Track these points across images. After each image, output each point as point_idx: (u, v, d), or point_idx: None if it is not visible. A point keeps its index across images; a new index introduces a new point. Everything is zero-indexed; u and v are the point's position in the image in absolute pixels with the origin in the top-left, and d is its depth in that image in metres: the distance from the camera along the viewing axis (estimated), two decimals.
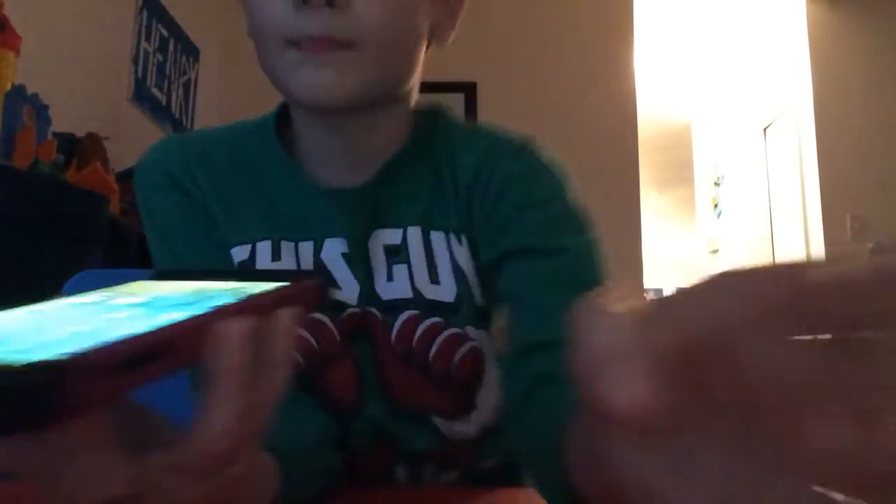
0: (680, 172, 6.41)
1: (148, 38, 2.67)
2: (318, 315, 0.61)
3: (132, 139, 2.48)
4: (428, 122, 0.69)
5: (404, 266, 0.61)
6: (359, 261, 0.62)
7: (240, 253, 0.62)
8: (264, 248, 0.62)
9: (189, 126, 3.04)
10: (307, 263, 0.61)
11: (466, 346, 0.61)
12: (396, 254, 0.62)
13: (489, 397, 0.62)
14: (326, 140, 0.63)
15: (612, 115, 3.45)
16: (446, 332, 0.61)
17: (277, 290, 0.33)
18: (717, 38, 4.60)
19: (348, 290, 0.61)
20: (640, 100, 3.54)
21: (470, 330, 0.62)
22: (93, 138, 1.98)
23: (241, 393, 0.29)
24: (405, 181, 0.63)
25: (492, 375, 0.62)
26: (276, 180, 0.64)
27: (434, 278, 0.61)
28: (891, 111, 3.80)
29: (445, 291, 0.61)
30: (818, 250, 3.83)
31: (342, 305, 0.61)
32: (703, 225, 5.80)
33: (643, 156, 3.53)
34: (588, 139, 3.44)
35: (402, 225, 0.62)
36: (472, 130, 0.71)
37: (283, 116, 0.67)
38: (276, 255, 0.62)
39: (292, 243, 0.62)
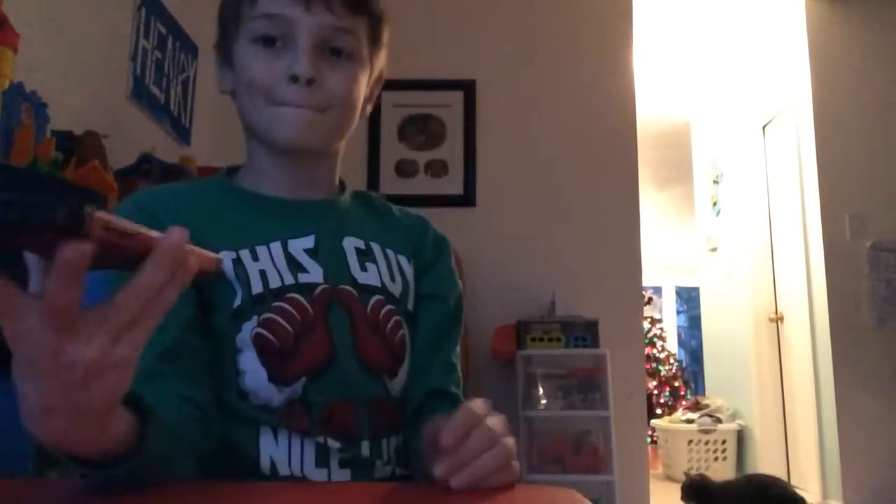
0: (679, 170, 6.42)
1: (146, 36, 2.67)
2: (294, 294, 0.80)
3: (131, 137, 2.48)
4: (358, 190, 0.98)
5: (374, 264, 0.87)
6: (328, 252, 0.85)
7: (227, 254, 0.80)
8: (245, 253, 0.81)
9: (188, 124, 3.03)
10: (279, 257, 0.82)
11: (402, 331, 0.86)
12: (365, 255, 0.87)
13: (404, 370, 0.86)
14: (284, 171, 0.87)
15: (610, 113, 3.45)
16: (396, 317, 0.85)
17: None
18: (716, 36, 4.60)
19: (315, 273, 0.83)
20: (639, 98, 3.54)
21: (401, 319, 0.86)
22: (91, 136, 1.97)
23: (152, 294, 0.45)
24: (355, 210, 0.92)
25: (408, 351, 0.88)
26: (232, 205, 0.86)
27: (392, 278, 0.88)
28: (890, 109, 3.80)
29: (396, 288, 0.87)
30: (817, 248, 3.83)
31: (312, 286, 0.81)
32: (702, 223, 5.80)
33: (642, 154, 3.53)
34: (587, 137, 3.44)
35: (365, 238, 0.88)
36: (403, 208, 1.00)
37: (228, 172, 0.93)
38: (254, 256, 0.81)
39: (264, 245, 0.82)
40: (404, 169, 3.39)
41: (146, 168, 2.21)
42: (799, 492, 3.07)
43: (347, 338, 0.81)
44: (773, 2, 4.16)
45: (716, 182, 5.43)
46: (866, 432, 3.54)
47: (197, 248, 0.48)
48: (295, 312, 0.79)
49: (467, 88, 3.45)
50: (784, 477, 4.02)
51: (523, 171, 3.40)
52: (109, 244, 0.41)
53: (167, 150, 2.69)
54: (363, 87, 0.87)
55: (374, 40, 0.88)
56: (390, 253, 0.90)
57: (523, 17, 3.55)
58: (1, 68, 1.60)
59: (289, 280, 0.81)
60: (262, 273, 0.80)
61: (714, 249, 5.50)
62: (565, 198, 3.38)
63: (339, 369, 0.80)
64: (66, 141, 1.86)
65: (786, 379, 4.41)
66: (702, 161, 5.77)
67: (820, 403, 3.80)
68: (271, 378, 0.77)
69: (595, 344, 2.99)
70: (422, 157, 3.40)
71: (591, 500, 0.56)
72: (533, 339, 2.99)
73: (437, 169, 3.40)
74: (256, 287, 0.79)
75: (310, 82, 0.79)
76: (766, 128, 4.64)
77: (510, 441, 0.64)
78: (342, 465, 0.78)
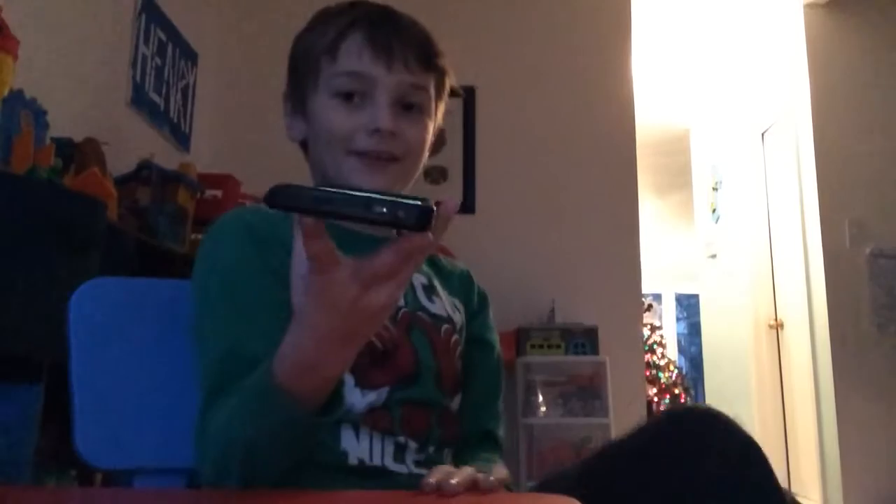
0: (678, 177, 6.42)
1: (146, 43, 2.68)
2: None
3: (130, 144, 2.48)
4: None
5: (438, 298, 0.96)
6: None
7: None
8: None
9: (187, 130, 3.04)
10: None
11: (460, 350, 0.95)
12: (430, 290, 0.95)
13: (459, 395, 0.94)
14: None
15: (610, 120, 3.45)
16: (460, 347, 0.94)
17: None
18: (715, 43, 4.61)
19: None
20: (639, 105, 3.54)
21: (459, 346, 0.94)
22: (91, 143, 1.98)
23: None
24: None
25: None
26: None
27: (455, 310, 0.97)
28: (889, 116, 3.81)
29: (458, 319, 0.97)
30: (816, 255, 3.84)
31: (396, 308, 0.88)
32: (701, 229, 5.80)
33: (641, 161, 3.54)
34: (586, 144, 3.44)
35: (427, 276, 0.97)
36: (449, 259, 1.09)
37: None
38: None
39: None
40: None
41: (146, 175, 2.21)
42: (799, 499, 3.06)
43: (429, 357, 0.88)
44: (772, 10, 4.17)
45: (715, 189, 5.43)
46: (867, 439, 3.53)
47: None
48: (381, 330, 0.85)
49: (467, 95, 3.45)
50: (784, 484, 4.00)
51: (523, 178, 3.40)
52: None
53: (167, 156, 2.69)
54: (430, 134, 0.95)
55: (439, 93, 0.97)
56: (445, 293, 0.98)
57: (522, 24, 3.56)
58: (1, 75, 1.60)
59: None
60: None
61: (713, 256, 5.50)
62: (565, 204, 3.38)
63: (420, 383, 0.86)
64: (66, 148, 1.86)
65: (786, 385, 4.40)
66: (701, 168, 5.78)
67: (820, 410, 3.80)
68: (357, 383, 0.83)
69: (595, 351, 2.98)
70: None
71: None
72: (532, 346, 2.99)
73: (437, 176, 3.41)
74: None
75: (391, 135, 0.86)
76: (765, 134, 4.65)
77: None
78: (416, 465, 0.84)
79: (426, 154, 0.95)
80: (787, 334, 4.35)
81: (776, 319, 4.49)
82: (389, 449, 0.83)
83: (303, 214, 0.52)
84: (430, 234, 0.54)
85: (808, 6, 3.93)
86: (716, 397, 5.44)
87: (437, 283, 0.98)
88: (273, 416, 0.66)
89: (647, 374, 6.48)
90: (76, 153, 1.90)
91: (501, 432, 1.01)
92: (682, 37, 4.52)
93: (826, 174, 3.80)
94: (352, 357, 0.64)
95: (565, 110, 3.47)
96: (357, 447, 0.82)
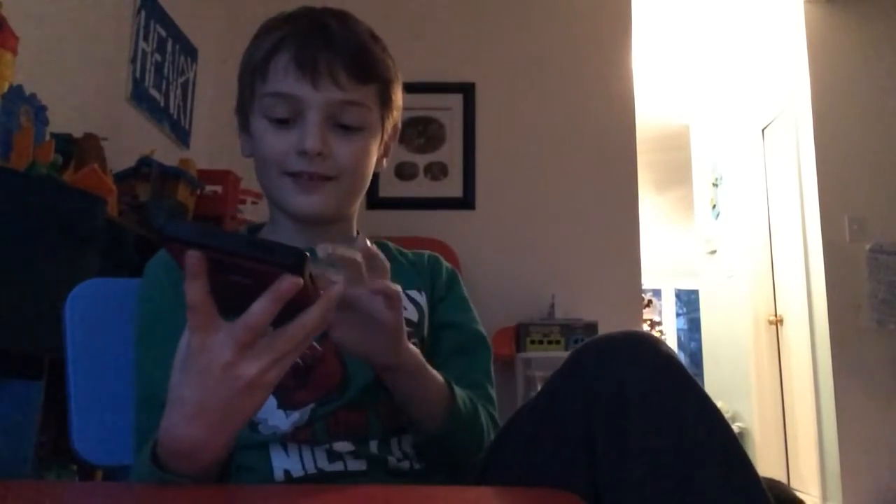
0: (678, 173, 6.42)
1: (146, 39, 2.67)
2: None
3: (130, 140, 2.48)
4: (374, 240, 1.00)
5: None
6: None
7: None
8: None
9: (187, 126, 3.03)
10: None
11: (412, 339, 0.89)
12: None
13: None
14: (301, 233, 0.92)
15: (610, 115, 3.45)
16: (412, 339, 0.83)
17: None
18: (714, 39, 4.60)
19: None
20: (639, 101, 3.54)
21: (419, 344, 0.88)
22: (91, 139, 1.97)
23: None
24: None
25: None
26: None
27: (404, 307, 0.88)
28: (889, 112, 3.80)
29: (412, 314, 0.92)
30: (816, 251, 3.84)
31: None
32: (701, 225, 5.80)
33: (641, 157, 3.53)
34: (586, 140, 3.44)
35: None
36: (414, 251, 1.05)
37: (252, 229, 1.01)
38: None
39: None
40: (404, 172, 3.39)
41: (145, 171, 2.21)
42: (798, 494, 3.07)
43: (361, 366, 0.83)
44: (772, 5, 4.16)
45: (715, 185, 5.43)
46: (866, 435, 3.54)
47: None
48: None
49: (467, 91, 3.45)
50: (784, 479, 4.02)
51: (523, 174, 3.40)
52: (304, 288, 0.53)
53: (166, 152, 2.69)
54: (373, 152, 0.91)
55: (385, 103, 0.93)
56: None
57: (523, 20, 3.55)
58: (0, 71, 1.60)
59: None
60: None
61: (713, 252, 5.50)
62: (565, 200, 3.38)
63: (349, 391, 0.84)
64: (66, 143, 1.86)
65: (785, 381, 4.41)
66: (701, 164, 5.78)
67: (819, 406, 3.80)
68: (280, 405, 0.82)
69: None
70: (421, 160, 3.41)
71: None
72: (532, 342, 2.99)
73: (437, 172, 3.40)
74: None
75: (319, 155, 0.84)
76: (765, 130, 4.64)
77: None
78: (355, 458, 0.82)
79: (369, 170, 0.92)
80: (787, 330, 4.35)
81: (776, 315, 4.49)
82: (321, 455, 0.81)
83: (187, 246, 0.52)
84: (300, 280, 0.52)
85: (808, 1, 3.92)
86: (715, 393, 5.44)
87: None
88: (167, 482, 0.61)
89: None
90: (76, 149, 1.90)
91: (492, 411, 0.93)
92: (682, 33, 4.52)
93: (826, 170, 3.79)
94: (229, 440, 0.59)
95: (565, 106, 3.47)
96: (288, 462, 0.81)
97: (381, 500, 0.58)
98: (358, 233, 1.00)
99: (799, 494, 3.12)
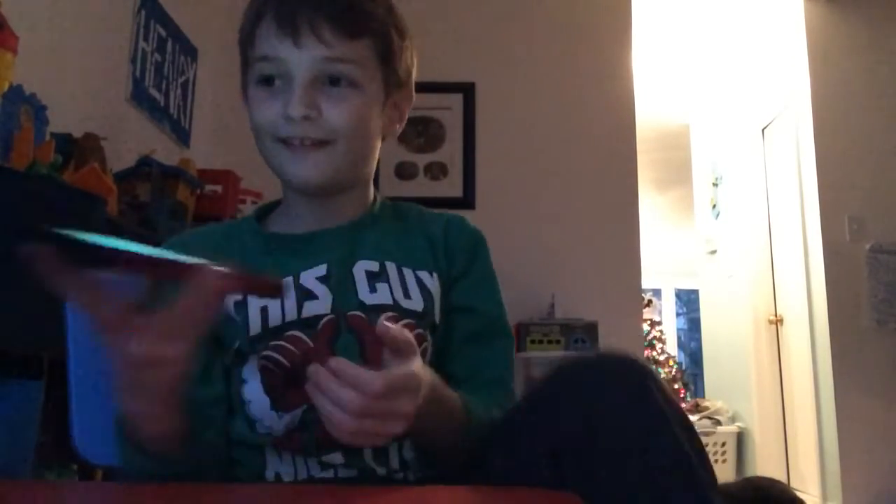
0: (678, 173, 6.42)
1: (146, 38, 2.67)
2: (295, 331, 0.81)
3: (130, 139, 2.48)
4: (396, 203, 0.97)
5: (385, 284, 0.84)
6: (337, 280, 0.84)
7: (233, 295, 0.83)
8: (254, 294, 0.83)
9: (187, 126, 3.03)
10: (288, 293, 0.82)
11: (423, 345, 0.83)
12: (377, 276, 0.85)
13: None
14: (309, 206, 0.89)
15: (610, 115, 3.45)
16: (416, 331, 0.80)
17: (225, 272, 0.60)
18: (715, 38, 4.60)
19: (323, 301, 0.83)
20: (639, 100, 3.54)
21: (427, 334, 0.84)
22: (90, 139, 1.97)
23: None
24: (379, 227, 0.91)
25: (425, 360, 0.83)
26: (254, 247, 0.89)
27: (407, 295, 0.85)
28: (889, 112, 3.80)
29: (416, 304, 0.85)
30: (816, 251, 3.83)
31: (315, 319, 0.82)
32: (701, 225, 5.80)
33: (641, 156, 3.54)
34: (587, 140, 3.44)
35: (380, 259, 0.86)
36: (435, 212, 0.99)
37: (265, 207, 0.97)
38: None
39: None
40: (404, 171, 3.39)
41: (145, 170, 2.21)
42: (798, 494, 3.06)
43: (355, 360, 0.80)
44: (772, 4, 4.16)
45: (715, 184, 5.43)
46: (866, 434, 3.53)
47: (252, 276, 0.63)
48: (293, 348, 0.81)
49: (467, 91, 3.45)
50: (784, 479, 4.02)
51: (523, 174, 3.40)
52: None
53: (166, 152, 2.69)
54: (373, 113, 0.85)
55: (386, 59, 0.86)
56: (407, 271, 0.87)
57: (523, 19, 3.55)
58: (0, 71, 1.60)
59: (291, 316, 0.81)
60: (264, 311, 0.81)
61: (713, 252, 5.50)
62: (565, 200, 3.38)
63: None
64: (66, 143, 1.86)
65: (785, 381, 4.41)
66: (701, 163, 5.77)
67: (819, 406, 3.80)
68: (273, 406, 0.81)
69: (594, 346, 2.99)
70: (421, 160, 3.41)
71: None
72: (532, 342, 2.99)
73: (437, 171, 3.40)
74: (255, 328, 0.81)
75: (307, 119, 0.80)
76: (765, 130, 4.64)
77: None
78: (346, 469, 0.80)
79: (369, 131, 0.86)
80: (787, 330, 4.35)
81: (776, 315, 4.49)
82: (314, 466, 0.80)
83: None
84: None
85: (808, 1, 3.92)
86: (715, 393, 5.44)
87: (391, 263, 0.87)
88: (135, 457, 0.70)
89: None
90: (76, 149, 1.90)
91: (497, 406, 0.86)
92: (681, 32, 4.51)
93: (826, 170, 3.79)
94: (166, 412, 0.64)
95: (565, 105, 3.47)
96: (281, 467, 0.81)
97: (380, 500, 0.58)
98: (376, 196, 0.95)
99: (799, 494, 3.12)
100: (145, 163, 2.22)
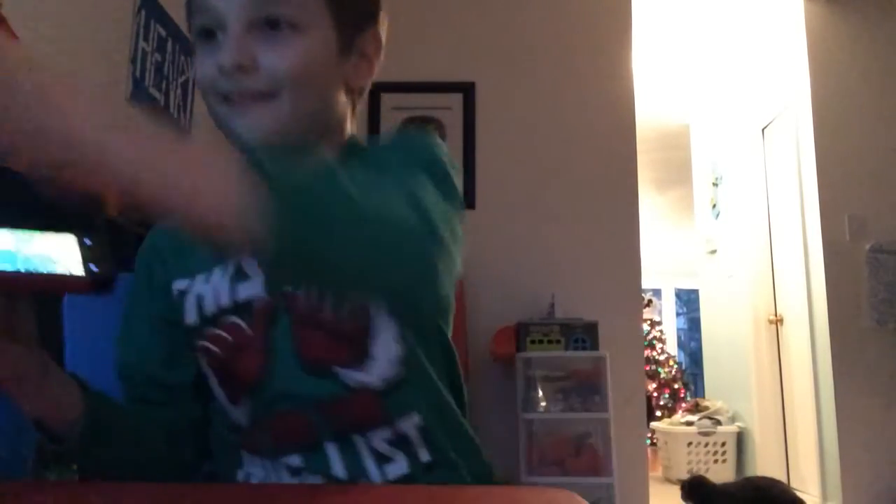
0: (678, 173, 6.42)
1: (146, 38, 2.67)
2: (232, 317, 0.75)
3: None
4: (351, 144, 0.84)
5: None
6: None
7: (180, 284, 0.80)
8: (200, 278, 0.78)
9: (187, 126, 3.03)
10: (225, 276, 0.77)
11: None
12: None
13: (385, 349, 0.73)
14: None
15: (610, 115, 3.45)
16: None
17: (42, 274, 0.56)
18: (715, 38, 4.60)
19: (256, 281, 0.75)
20: (639, 100, 3.54)
21: None
22: None
23: None
24: None
25: (383, 329, 0.73)
26: None
27: None
28: (889, 111, 3.80)
29: None
30: (816, 250, 3.84)
31: (248, 303, 0.75)
32: (701, 225, 5.80)
33: (641, 156, 3.53)
34: (586, 139, 3.44)
35: None
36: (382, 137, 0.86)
37: None
38: (207, 279, 0.78)
39: (222, 265, 0.78)
40: None
41: None
42: (798, 494, 3.07)
43: (287, 344, 0.73)
44: (773, 4, 4.16)
45: (715, 184, 5.43)
46: (866, 434, 3.54)
47: (33, 274, 0.58)
48: (228, 336, 0.76)
49: (467, 91, 3.45)
50: (783, 479, 4.02)
51: (523, 174, 3.40)
52: None
53: None
54: (320, 56, 0.73)
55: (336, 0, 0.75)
56: None
57: (523, 19, 3.55)
58: None
59: (225, 301, 0.76)
60: (199, 299, 0.77)
61: (713, 252, 5.50)
62: (565, 200, 3.38)
63: (279, 380, 0.73)
64: None
65: (785, 381, 4.41)
66: (701, 163, 5.78)
67: (819, 405, 3.80)
68: (229, 398, 0.77)
69: (595, 346, 2.99)
70: None
71: (590, 502, 0.56)
72: (532, 342, 2.99)
73: None
74: (191, 318, 0.78)
75: (241, 69, 0.70)
76: (765, 130, 4.64)
77: None
78: (310, 473, 0.75)
79: (318, 79, 0.74)
80: (787, 329, 4.36)
81: (776, 315, 4.49)
82: (281, 468, 0.75)
83: None
84: None
85: (808, 1, 3.92)
86: (715, 393, 5.45)
87: None
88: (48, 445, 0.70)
89: (647, 369, 6.49)
90: None
91: None
92: (682, 32, 4.51)
93: (826, 169, 3.79)
94: (35, 395, 0.64)
95: (565, 105, 3.47)
96: (252, 467, 0.77)
97: (379, 499, 0.59)
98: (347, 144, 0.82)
99: (799, 494, 3.12)
100: None
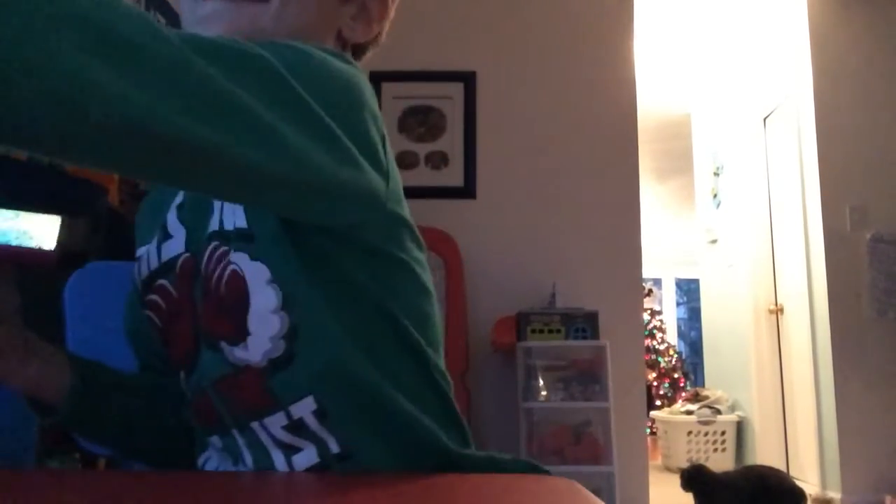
0: (679, 162, 6.41)
1: None
2: (161, 280, 0.69)
3: None
4: None
5: (220, 205, 0.64)
6: (192, 206, 0.68)
7: (140, 251, 0.74)
8: (152, 244, 0.72)
9: None
10: (159, 235, 0.71)
11: (228, 270, 0.61)
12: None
13: (262, 324, 0.60)
14: None
15: (611, 104, 3.44)
16: (222, 256, 0.62)
17: None
18: (717, 27, 4.58)
19: (178, 236, 0.69)
20: (640, 89, 3.53)
21: (239, 256, 0.61)
22: None
23: None
24: None
25: (261, 302, 0.60)
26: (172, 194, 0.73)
27: (235, 212, 0.63)
28: (890, 101, 3.79)
29: (239, 220, 0.62)
30: (817, 240, 3.83)
31: (172, 262, 0.68)
32: (702, 215, 5.80)
33: (642, 145, 3.53)
34: (588, 129, 3.44)
35: None
36: None
37: None
38: (157, 243, 0.72)
39: (165, 225, 0.71)
40: (404, 161, 3.38)
41: None
42: (798, 483, 3.08)
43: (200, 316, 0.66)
44: None
45: (716, 174, 5.42)
46: (865, 424, 3.55)
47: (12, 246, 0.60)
48: (160, 300, 0.70)
49: (468, 80, 3.44)
50: (783, 468, 4.03)
51: (524, 163, 3.40)
52: None
53: None
54: None
55: None
56: None
57: (524, 8, 3.54)
58: None
59: (154, 263, 0.71)
60: (139, 265, 0.73)
61: (714, 241, 5.50)
62: (566, 189, 3.38)
63: (202, 361, 0.67)
64: None
65: (785, 370, 4.42)
66: (702, 153, 5.76)
67: (819, 395, 3.81)
68: (175, 370, 0.72)
69: (595, 335, 2.99)
70: (422, 149, 3.40)
71: (591, 490, 0.56)
72: (533, 331, 3.00)
73: (438, 161, 3.40)
74: (135, 285, 0.75)
75: None
76: (766, 119, 4.63)
77: None
78: (235, 462, 0.68)
79: (303, 3, 0.68)
80: (787, 319, 4.36)
81: (776, 304, 4.50)
82: (226, 457, 0.69)
83: None
84: None
85: None
86: (715, 382, 5.46)
87: None
88: (43, 420, 0.71)
89: (647, 358, 6.50)
90: None
91: None
92: (683, 21, 4.50)
93: (827, 159, 3.79)
94: (8, 375, 0.65)
95: (567, 95, 3.46)
96: (211, 452, 0.72)
97: (375, 487, 0.59)
98: None
99: (798, 483, 3.13)
100: None
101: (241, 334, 0.61)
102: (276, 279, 0.60)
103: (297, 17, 0.67)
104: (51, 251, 0.59)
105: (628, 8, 3.54)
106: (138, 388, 0.77)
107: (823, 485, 3.73)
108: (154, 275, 0.70)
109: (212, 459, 0.70)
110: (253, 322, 0.61)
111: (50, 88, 0.36)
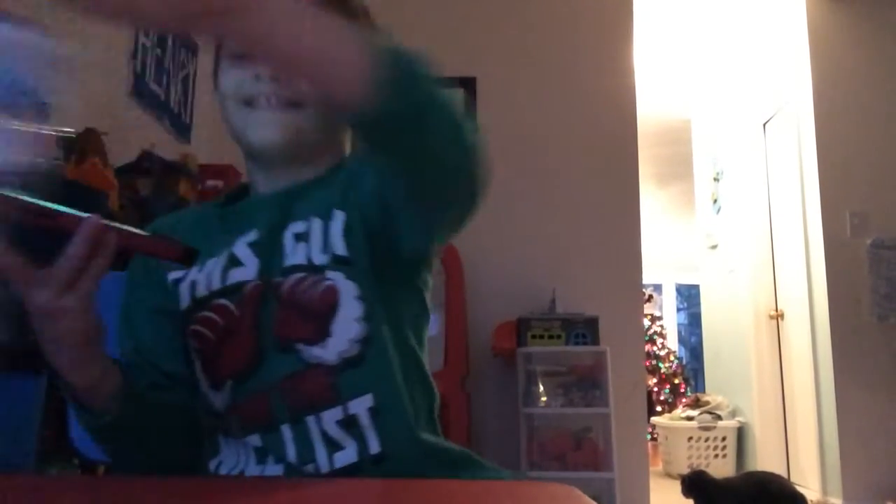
0: (679, 168, 6.41)
1: (147, 34, 2.67)
2: (221, 300, 0.79)
3: (131, 134, 2.48)
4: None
5: (305, 243, 0.78)
6: (266, 245, 0.79)
7: (175, 275, 0.83)
8: (195, 269, 0.82)
9: (188, 121, 3.03)
10: (219, 262, 0.81)
11: (324, 284, 0.76)
12: (303, 237, 0.78)
13: (345, 328, 0.75)
14: (266, 178, 0.85)
15: (611, 110, 3.45)
16: (316, 278, 0.76)
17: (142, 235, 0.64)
18: (716, 33, 4.59)
19: (250, 266, 0.79)
20: (640, 95, 3.54)
21: (336, 275, 0.76)
22: (92, 134, 1.97)
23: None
24: (318, 190, 0.82)
25: (348, 309, 0.75)
26: (211, 223, 0.86)
27: (327, 249, 0.77)
28: (891, 107, 3.80)
29: (338, 249, 0.77)
30: (817, 246, 3.83)
31: (239, 286, 0.78)
32: (702, 220, 5.80)
33: (642, 151, 3.53)
34: (588, 135, 3.44)
35: (308, 217, 0.79)
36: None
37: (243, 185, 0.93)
38: (201, 269, 0.81)
39: (216, 257, 0.81)
40: None
41: (146, 165, 2.21)
42: (798, 488, 3.07)
43: (270, 327, 0.77)
44: None
45: (716, 179, 5.43)
46: (866, 429, 3.54)
47: (149, 236, 0.65)
48: (218, 318, 0.79)
49: (467, 86, 3.44)
50: (784, 474, 4.03)
51: (524, 169, 3.40)
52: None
53: (167, 147, 2.69)
54: None
55: (347, 8, 0.83)
56: (332, 223, 0.80)
57: (524, 14, 3.55)
58: None
59: (216, 285, 0.79)
60: (193, 285, 0.81)
61: (714, 247, 5.50)
62: (566, 195, 3.38)
63: (267, 365, 0.76)
64: (67, 139, 1.86)
65: (786, 376, 4.41)
66: (702, 158, 5.77)
67: (820, 400, 3.81)
68: (211, 384, 0.80)
69: (595, 341, 2.99)
70: None
71: (591, 496, 0.56)
72: (533, 337, 3.00)
73: None
74: (185, 302, 0.82)
75: (275, 78, 0.78)
76: (766, 125, 4.63)
77: None
78: (277, 462, 0.75)
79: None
80: (788, 325, 4.36)
81: (777, 310, 4.49)
82: (248, 453, 0.76)
83: None
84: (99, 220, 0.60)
85: None
86: (716, 388, 5.45)
87: (317, 219, 0.79)
88: (80, 415, 0.74)
89: (648, 364, 6.50)
90: (77, 144, 1.90)
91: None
92: (683, 27, 4.51)
93: (827, 165, 3.79)
94: (77, 360, 0.67)
95: (566, 101, 3.46)
96: (225, 456, 0.79)
97: (380, 493, 0.59)
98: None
99: (799, 488, 3.13)
100: (146, 158, 2.22)
101: (321, 335, 0.75)
102: (362, 296, 0.76)
103: (329, 113, 0.81)
104: (183, 245, 0.65)
105: (628, 14, 3.55)
106: (163, 402, 0.82)
107: (824, 490, 3.72)
108: (213, 294, 0.79)
109: (224, 463, 0.78)
110: (337, 326, 0.75)
111: (460, 151, 0.82)
